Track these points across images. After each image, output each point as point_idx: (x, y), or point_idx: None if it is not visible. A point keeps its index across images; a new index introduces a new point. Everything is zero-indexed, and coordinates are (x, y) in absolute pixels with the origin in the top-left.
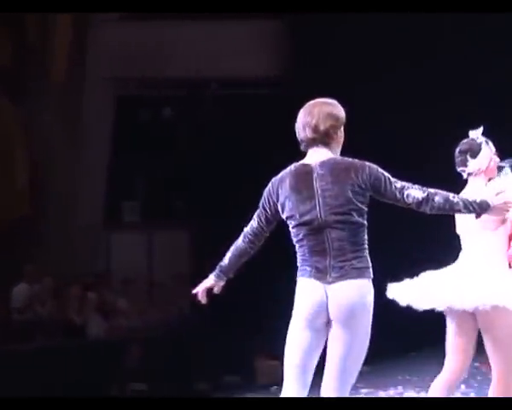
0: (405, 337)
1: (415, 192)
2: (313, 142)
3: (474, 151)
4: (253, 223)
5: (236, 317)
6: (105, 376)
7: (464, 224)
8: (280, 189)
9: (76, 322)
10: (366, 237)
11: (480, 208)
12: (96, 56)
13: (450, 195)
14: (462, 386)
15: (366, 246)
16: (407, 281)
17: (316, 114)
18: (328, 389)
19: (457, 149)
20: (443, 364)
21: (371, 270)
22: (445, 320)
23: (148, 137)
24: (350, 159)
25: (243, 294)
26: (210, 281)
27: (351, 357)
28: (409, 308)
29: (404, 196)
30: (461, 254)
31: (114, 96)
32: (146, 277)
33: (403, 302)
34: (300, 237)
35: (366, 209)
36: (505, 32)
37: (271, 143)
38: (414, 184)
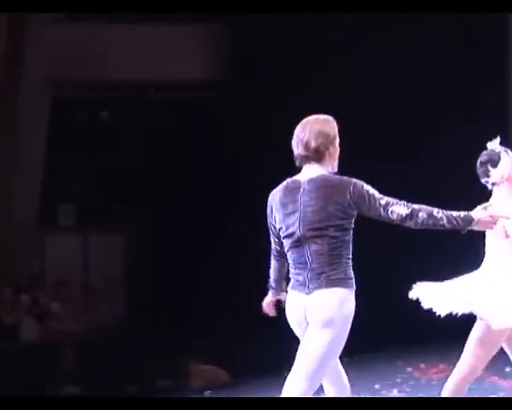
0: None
1: (399, 209)
2: (306, 159)
3: (494, 161)
4: (272, 241)
5: (170, 320)
6: (38, 378)
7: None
8: (273, 203)
9: (8, 324)
10: (348, 250)
11: (463, 223)
12: (32, 57)
13: (435, 210)
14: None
15: (346, 259)
16: (433, 284)
17: (307, 131)
18: (293, 388)
19: (478, 162)
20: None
21: (350, 281)
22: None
23: (84, 138)
24: (339, 176)
25: (177, 297)
26: (270, 297)
27: (320, 360)
28: None
29: (389, 212)
30: (484, 260)
31: (50, 97)
32: (80, 279)
33: (426, 305)
34: (287, 249)
35: (350, 226)
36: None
37: (207, 146)
38: (401, 199)
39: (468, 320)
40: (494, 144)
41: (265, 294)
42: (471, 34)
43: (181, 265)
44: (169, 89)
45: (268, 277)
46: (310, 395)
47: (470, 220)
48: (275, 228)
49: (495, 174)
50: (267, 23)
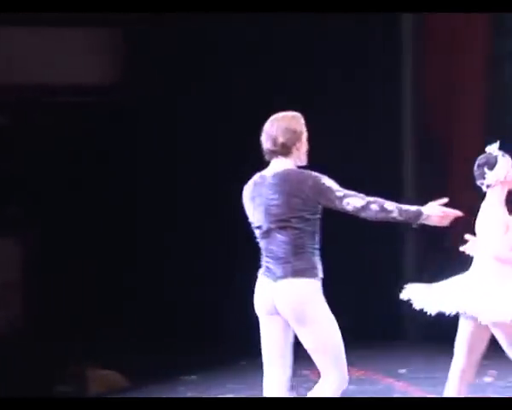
0: None
1: (354, 201)
2: (274, 153)
3: (491, 164)
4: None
5: (68, 326)
6: None
7: (477, 229)
8: (245, 198)
9: None
10: (313, 241)
11: (414, 217)
12: None
13: (387, 203)
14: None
15: (311, 249)
16: (424, 285)
17: (275, 128)
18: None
19: (476, 164)
20: None
21: (315, 270)
22: None
23: None
24: (301, 170)
25: (74, 302)
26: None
27: (318, 349)
28: None
29: (344, 203)
30: (474, 261)
31: None
32: None
33: (416, 305)
34: (258, 239)
35: (314, 216)
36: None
37: (103, 148)
38: (360, 192)
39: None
40: (493, 148)
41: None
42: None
43: (75, 268)
44: (64, 91)
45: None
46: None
47: (419, 215)
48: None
49: (490, 177)
50: (163, 25)
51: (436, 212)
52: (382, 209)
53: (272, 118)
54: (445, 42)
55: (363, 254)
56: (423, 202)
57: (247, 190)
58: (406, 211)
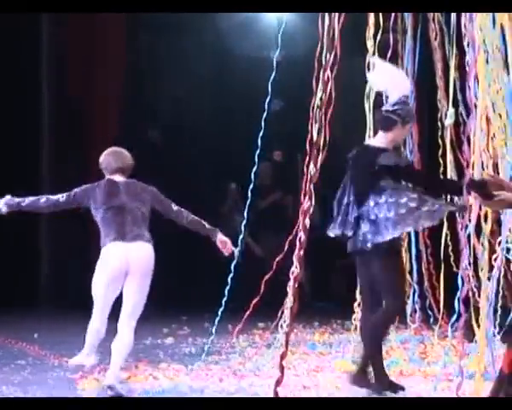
0: None
1: (174, 210)
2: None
3: None
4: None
5: None
6: None
7: None
8: (92, 191)
9: None
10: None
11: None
12: None
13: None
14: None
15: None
16: None
17: (124, 156)
18: (123, 322)
19: None
20: None
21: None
22: None
23: None
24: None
25: None
26: None
27: (140, 299)
28: None
29: (171, 210)
30: None
31: None
32: None
33: None
34: (107, 216)
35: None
36: None
37: None
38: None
39: None
40: None
41: None
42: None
43: None
44: None
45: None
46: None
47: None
48: (81, 203)
49: None
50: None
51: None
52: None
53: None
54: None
55: None
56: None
57: (98, 188)
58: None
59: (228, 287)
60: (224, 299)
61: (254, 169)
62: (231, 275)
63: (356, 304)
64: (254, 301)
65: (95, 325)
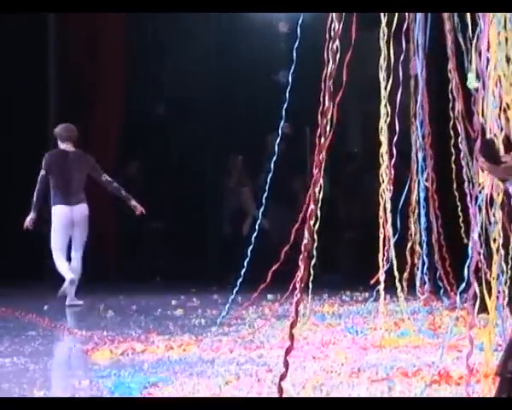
0: None
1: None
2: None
3: None
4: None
5: None
6: None
7: None
8: (47, 159)
9: None
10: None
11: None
12: None
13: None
14: None
15: None
16: None
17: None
18: (75, 257)
19: None
20: None
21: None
22: None
23: None
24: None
25: None
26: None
27: (83, 238)
28: None
29: (102, 178)
30: None
31: None
32: None
33: None
34: (56, 181)
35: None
36: None
37: None
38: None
39: None
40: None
41: None
42: None
43: None
44: None
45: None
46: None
47: None
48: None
49: None
50: None
51: None
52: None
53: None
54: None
55: None
56: None
57: (52, 157)
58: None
59: (247, 259)
60: (243, 270)
61: (277, 141)
62: (250, 247)
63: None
64: (273, 269)
65: (60, 263)
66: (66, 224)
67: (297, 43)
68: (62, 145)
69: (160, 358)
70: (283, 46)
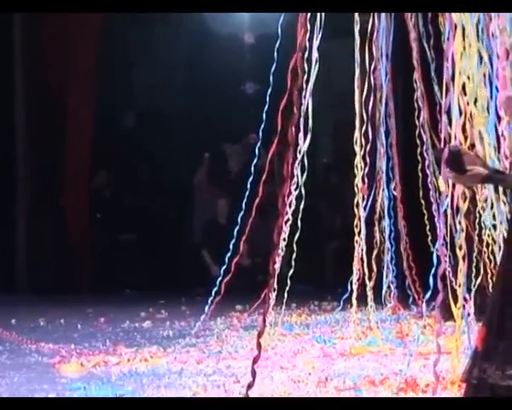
0: None
1: None
2: None
3: None
4: None
5: None
6: None
7: None
8: None
9: None
10: None
11: None
12: None
13: None
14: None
15: None
16: None
17: None
18: None
19: None
20: None
21: None
22: None
23: None
24: None
25: None
26: None
27: None
28: None
29: None
30: None
31: None
32: None
33: None
34: None
35: None
36: None
37: None
38: None
39: None
40: None
41: None
42: None
43: None
44: None
45: None
46: None
47: None
48: None
49: None
50: None
51: None
52: None
53: None
54: None
55: None
56: None
57: None
58: None
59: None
60: (219, 279)
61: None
62: (228, 254)
63: None
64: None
65: None
66: None
67: (278, 43)
68: None
69: (127, 370)
70: (249, 57)
